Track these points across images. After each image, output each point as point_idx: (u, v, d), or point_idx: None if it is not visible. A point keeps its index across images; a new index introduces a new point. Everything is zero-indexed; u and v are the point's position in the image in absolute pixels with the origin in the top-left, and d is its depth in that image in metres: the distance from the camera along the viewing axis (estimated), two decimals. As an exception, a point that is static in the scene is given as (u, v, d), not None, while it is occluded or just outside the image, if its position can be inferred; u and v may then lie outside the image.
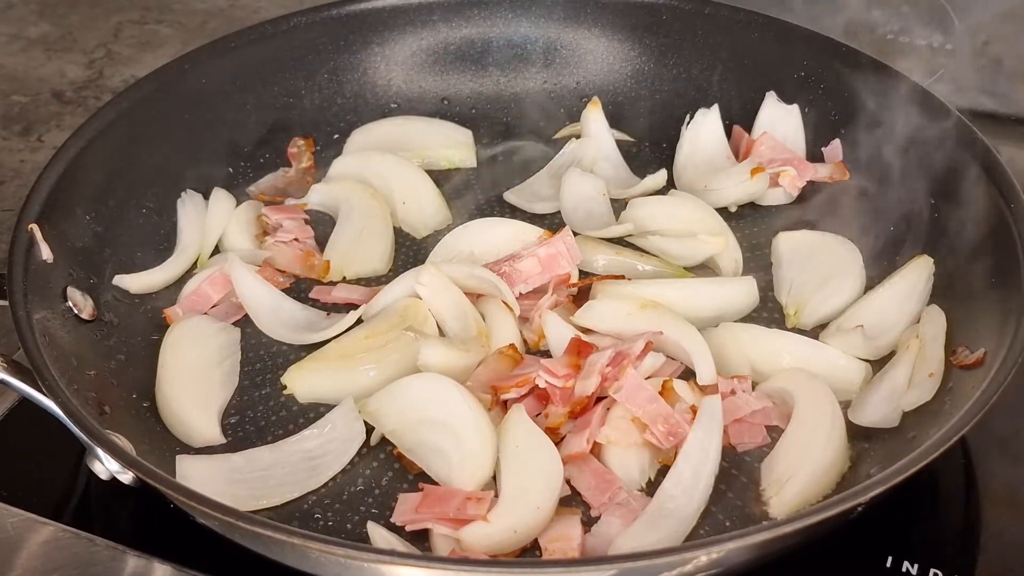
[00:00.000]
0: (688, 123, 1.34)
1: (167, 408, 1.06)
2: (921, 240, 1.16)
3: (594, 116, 1.35)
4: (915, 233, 1.17)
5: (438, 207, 1.30)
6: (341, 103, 1.37)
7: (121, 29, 1.75)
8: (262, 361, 1.13)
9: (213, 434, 1.05)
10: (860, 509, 0.86)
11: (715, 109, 1.34)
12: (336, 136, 1.35)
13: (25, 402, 0.98)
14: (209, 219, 1.24)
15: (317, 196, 1.29)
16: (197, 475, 1.00)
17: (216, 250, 1.24)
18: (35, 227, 1.06)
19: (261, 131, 1.33)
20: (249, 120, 1.32)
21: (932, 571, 0.95)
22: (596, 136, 1.35)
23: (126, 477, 0.97)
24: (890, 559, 0.95)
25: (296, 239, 1.23)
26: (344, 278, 1.22)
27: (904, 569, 0.95)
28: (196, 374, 1.09)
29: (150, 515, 0.98)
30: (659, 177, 1.30)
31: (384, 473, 1.01)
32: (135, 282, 1.17)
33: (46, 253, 1.06)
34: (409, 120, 1.39)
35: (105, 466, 0.97)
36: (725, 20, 1.33)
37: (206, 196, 1.26)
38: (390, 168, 1.31)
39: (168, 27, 1.75)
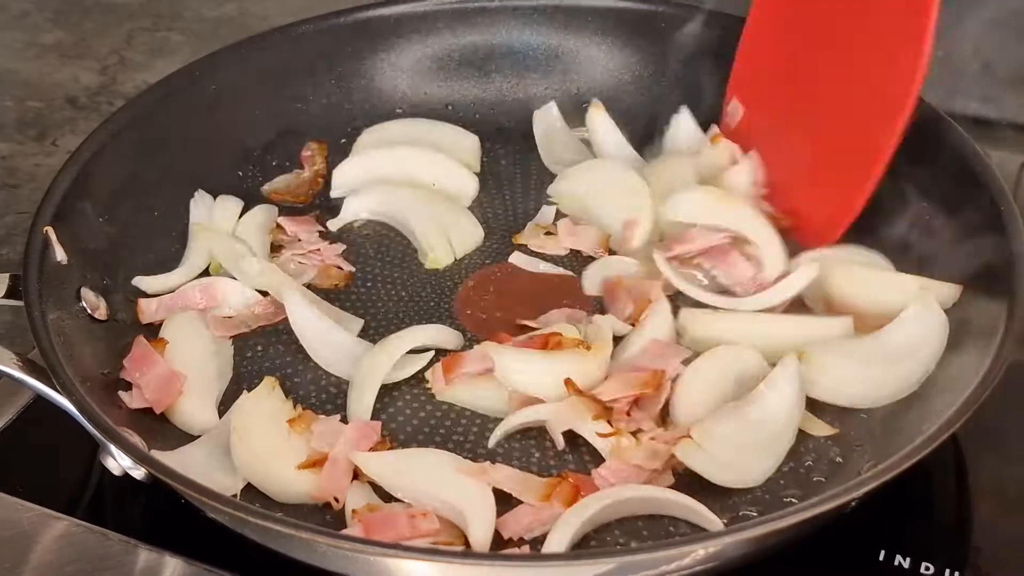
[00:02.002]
0: (666, 132, 1.35)
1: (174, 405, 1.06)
2: (913, 242, 1.16)
3: (599, 117, 1.35)
4: (907, 236, 1.17)
5: (467, 177, 1.32)
6: (348, 108, 1.38)
7: (133, 36, 1.75)
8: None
9: (212, 421, 1.05)
10: (854, 504, 0.86)
11: (684, 110, 1.35)
12: (343, 140, 1.35)
13: (40, 400, 0.98)
14: (216, 224, 1.23)
15: (362, 204, 1.29)
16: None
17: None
18: (50, 229, 1.06)
19: (270, 135, 1.33)
20: (258, 125, 1.32)
21: (924, 564, 0.95)
22: (604, 135, 1.35)
23: (138, 473, 0.97)
24: (883, 553, 0.95)
25: (317, 250, 1.23)
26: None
27: (896, 562, 0.95)
28: (194, 364, 1.09)
29: (162, 510, 0.98)
30: None
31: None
32: (154, 283, 1.16)
33: (60, 255, 1.06)
34: (416, 122, 1.39)
35: (118, 462, 0.98)
36: (721, 27, 1.33)
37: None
38: (405, 158, 1.32)
39: (179, 34, 1.75)
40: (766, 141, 1.24)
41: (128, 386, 1.06)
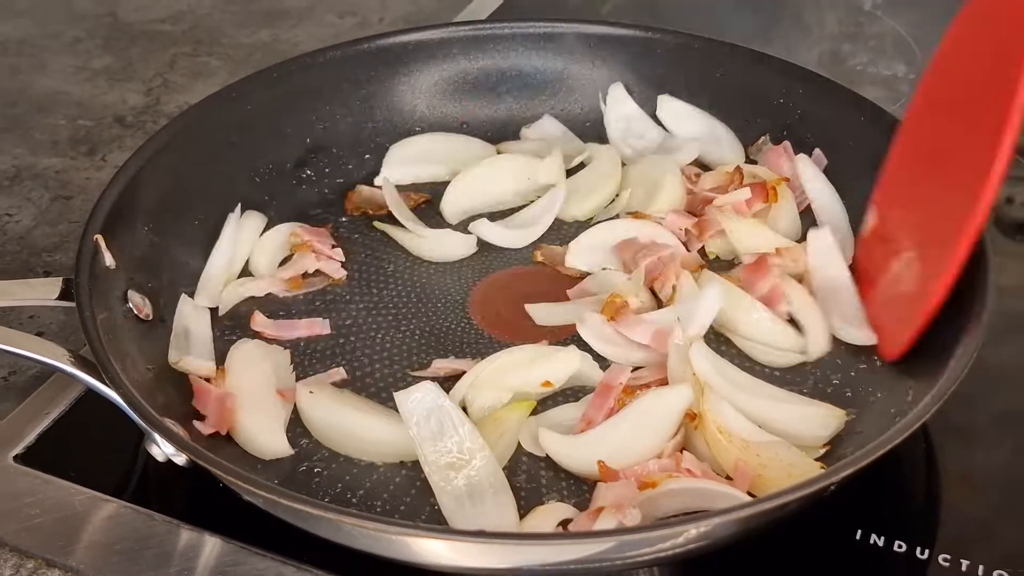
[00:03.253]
0: (605, 104, 1.40)
1: (240, 430, 1.03)
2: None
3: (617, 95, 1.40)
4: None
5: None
6: (372, 126, 1.38)
7: (176, 61, 1.76)
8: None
9: (282, 447, 1.03)
10: (833, 488, 0.86)
11: (619, 84, 1.40)
12: (367, 156, 1.35)
13: (90, 393, 0.99)
14: (240, 240, 1.23)
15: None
16: None
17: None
18: (99, 237, 1.06)
19: (300, 151, 1.33)
20: (289, 142, 1.32)
21: (897, 543, 0.95)
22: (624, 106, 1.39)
23: (180, 459, 0.98)
24: (859, 532, 0.96)
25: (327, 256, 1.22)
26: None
27: (872, 541, 0.95)
28: (258, 393, 1.06)
29: (202, 493, 0.98)
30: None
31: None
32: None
33: (109, 260, 1.06)
34: (439, 136, 1.39)
35: (161, 449, 0.98)
36: (712, 52, 1.34)
37: (255, 209, 1.27)
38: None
39: (217, 59, 1.76)
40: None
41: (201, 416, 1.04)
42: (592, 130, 1.40)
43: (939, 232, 1.01)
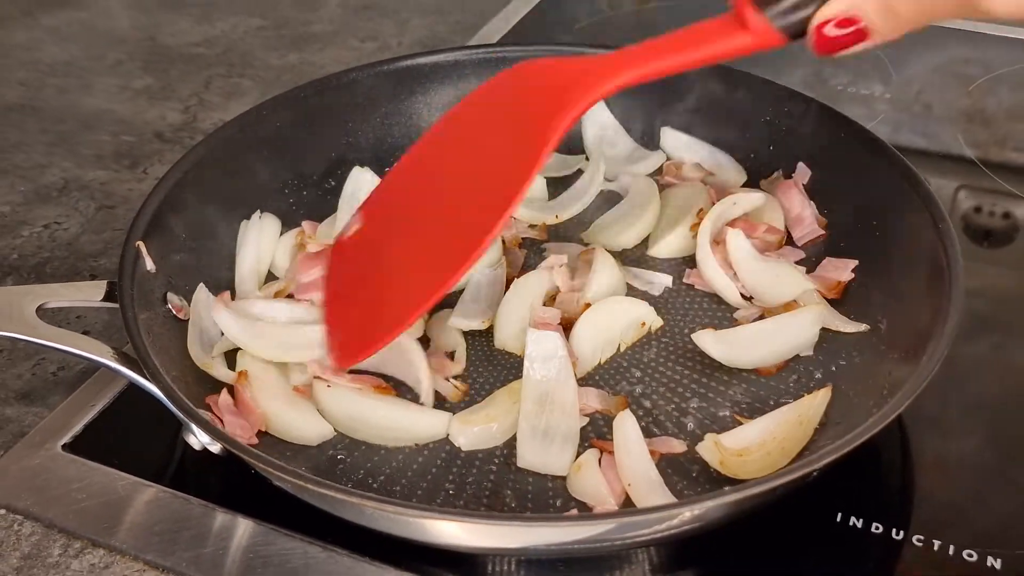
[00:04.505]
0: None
1: (278, 424, 1.04)
2: (864, 254, 1.16)
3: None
4: (859, 248, 1.17)
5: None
6: (391, 142, 1.38)
7: (211, 81, 1.76)
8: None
9: (326, 429, 1.04)
10: (816, 474, 0.86)
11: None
12: (386, 169, 1.34)
13: (132, 386, 0.99)
14: (262, 244, 1.22)
15: None
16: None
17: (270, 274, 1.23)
18: (141, 244, 1.06)
19: (324, 164, 1.33)
20: (314, 155, 1.32)
21: (874, 524, 0.95)
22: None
23: (215, 448, 0.98)
24: (839, 515, 0.96)
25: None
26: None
27: (851, 523, 0.95)
28: (283, 389, 1.07)
29: (235, 479, 0.99)
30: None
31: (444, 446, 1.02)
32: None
33: (150, 265, 1.07)
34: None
35: (198, 439, 0.98)
36: (704, 75, 1.33)
37: (281, 218, 1.27)
38: None
39: (249, 80, 1.76)
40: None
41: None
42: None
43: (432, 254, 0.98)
